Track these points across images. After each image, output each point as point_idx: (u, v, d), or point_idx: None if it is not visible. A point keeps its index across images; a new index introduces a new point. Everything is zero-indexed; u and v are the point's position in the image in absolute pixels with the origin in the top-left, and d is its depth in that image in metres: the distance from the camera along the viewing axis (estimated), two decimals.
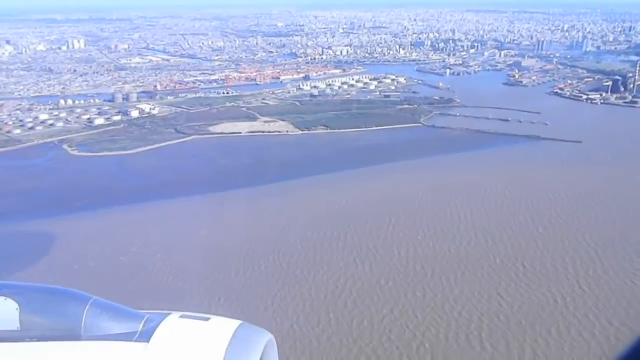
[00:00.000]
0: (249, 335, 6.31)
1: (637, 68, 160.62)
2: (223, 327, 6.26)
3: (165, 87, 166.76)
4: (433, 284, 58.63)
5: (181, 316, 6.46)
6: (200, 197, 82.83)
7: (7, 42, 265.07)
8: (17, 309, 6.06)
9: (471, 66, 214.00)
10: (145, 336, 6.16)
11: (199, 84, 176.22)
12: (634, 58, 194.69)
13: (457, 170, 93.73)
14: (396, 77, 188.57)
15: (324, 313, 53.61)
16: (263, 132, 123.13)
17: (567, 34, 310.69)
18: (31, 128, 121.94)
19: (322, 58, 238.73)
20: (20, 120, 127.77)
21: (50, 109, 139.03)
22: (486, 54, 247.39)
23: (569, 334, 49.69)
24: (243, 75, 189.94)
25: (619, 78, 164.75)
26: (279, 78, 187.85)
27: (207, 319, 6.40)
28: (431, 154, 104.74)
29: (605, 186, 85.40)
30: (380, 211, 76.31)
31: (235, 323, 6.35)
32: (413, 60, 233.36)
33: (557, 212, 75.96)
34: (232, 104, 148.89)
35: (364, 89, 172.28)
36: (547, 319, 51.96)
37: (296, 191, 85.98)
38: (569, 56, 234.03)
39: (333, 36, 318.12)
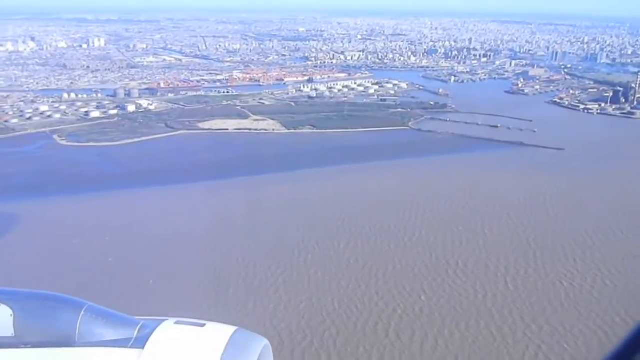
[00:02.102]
0: (245, 341, 6.31)
1: (638, 79, 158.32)
2: (218, 333, 6.25)
3: (168, 85, 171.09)
4: (362, 276, 60.02)
5: (176, 322, 6.45)
6: (166, 187, 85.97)
7: (32, 39, 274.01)
8: (11, 315, 6.01)
9: (478, 74, 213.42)
10: (140, 343, 6.13)
11: (203, 83, 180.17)
12: None
13: (422, 172, 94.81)
14: (399, 82, 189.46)
15: (250, 302, 55.35)
16: (250, 129, 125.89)
17: (586, 46, 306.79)
18: (29, 118, 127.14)
19: (332, 62, 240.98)
20: (21, 111, 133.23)
21: (52, 102, 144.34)
22: (497, 63, 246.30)
23: (477, 327, 50.58)
24: (248, 76, 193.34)
25: (620, 89, 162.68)
26: (283, 80, 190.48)
27: (202, 325, 6.39)
28: (405, 156, 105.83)
29: (566, 191, 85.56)
30: (333, 207, 77.96)
31: (231, 329, 6.36)
32: (422, 67, 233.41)
33: (509, 215, 76.40)
34: (228, 102, 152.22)
35: (363, 93, 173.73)
36: (461, 313, 52.93)
37: (260, 185, 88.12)
38: (580, 67, 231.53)
39: (349, 42, 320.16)
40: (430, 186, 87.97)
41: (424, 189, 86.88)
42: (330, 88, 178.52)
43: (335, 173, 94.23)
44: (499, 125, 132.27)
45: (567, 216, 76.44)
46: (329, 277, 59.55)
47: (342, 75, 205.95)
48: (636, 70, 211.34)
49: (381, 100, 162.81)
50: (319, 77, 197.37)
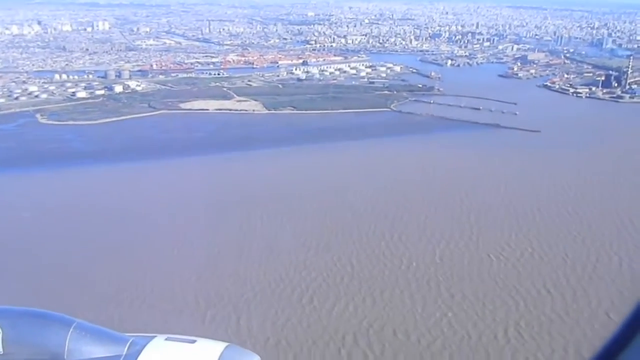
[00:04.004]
0: (236, 357, 6.28)
1: (629, 64, 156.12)
2: (210, 350, 6.23)
3: (160, 67, 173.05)
4: (298, 248, 61.10)
5: (167, 339, 6.47)
6: (130, 165, 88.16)
7: (39, 22, 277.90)
8: None
9: (476, 58, 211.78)
10: None
11: (197, 65, 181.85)
12: None
13: (388, 151, 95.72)
14: (393, 65, 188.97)
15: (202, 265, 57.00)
16: (230, 110, 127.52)
17: (595, 31, 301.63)
18: (16, 98, 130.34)
19: (332, 46, 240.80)
20: (10, 91, 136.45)
21: (43, 82, 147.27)
22: (500, 47, 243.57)
23: (392, 295, 51.75)
24: (242, 59, 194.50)
25: (612, 73, 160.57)
26: (277, 63, 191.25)
27: (193, 342, 6.40)
28: (377, 136, 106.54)
29: (525, 171, 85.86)
30: (283, 185, 79.10)
31: (222, 345, 6.34)
32: (422, 51, 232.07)
33: (459, 192, 76.92)
34: (216, 84, 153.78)
35: (354, 76, 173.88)
36: (380, 282, 54.13)
37: (227, 163, 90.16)
38: (583, 52, 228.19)
39: (355, 26, 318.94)
40: (391, 164, 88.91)
41: (384, 166, 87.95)
42: (322, 71, 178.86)
43: (299, 152, 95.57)
44: (481, 107, 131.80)
45: (518, 194, 76.82)
46: (265, 251, 60.68)
47: (338, 58, 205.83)
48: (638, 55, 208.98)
49: (370, 82, 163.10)
50: (313, 60, 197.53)
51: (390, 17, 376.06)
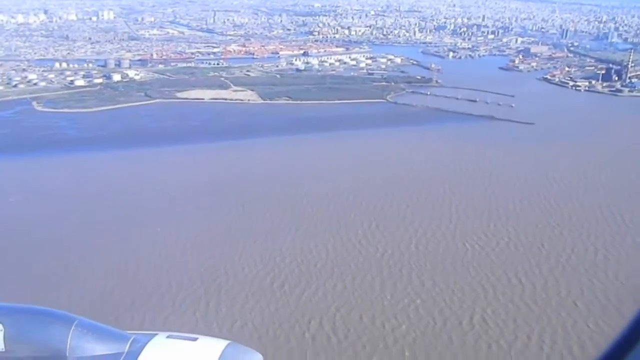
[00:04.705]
0: (238, 355, 6.28)
1: (629, 58, 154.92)
2: (211, 347, 6.19)
3: (160, 57, 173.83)
4: (274, 236, 61.46)
5: (168, 336, 6.46)
6: (121, 152, 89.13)
7: (45, 11, 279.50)
8: (1, 330, 6.02)
9: (479, 50, 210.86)
10: (131, 357, 6.11)
11: (197, 55, 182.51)
12: None
13: (377, 141, 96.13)
14: (394, 57, 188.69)
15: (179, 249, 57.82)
16: (226, 99, 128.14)
17: (602, 25, 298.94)
18: (14, 86, 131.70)
19: (335, 37, 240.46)
20: (9, 79, 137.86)
21: (42, 71, 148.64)
22: (504, 39, 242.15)
23: (362, 281, 52.17)
24: (243, 49, 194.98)
25: (612, 67, 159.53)
26: (277, 53, 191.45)
27: (194, 339, 6.39)
28: (370, 126, 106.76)
29: (513, 163, 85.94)
30: (271, 173, 79.71)
31: (224, 343, 6.36)
32: (425, 43, 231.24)
33: (444, 182, 77.10)
34: (214, 74, 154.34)
35: (354, 67, 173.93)
36: (354, 269, 54.50)
37: (215, 151, 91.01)
38: (588, 46, 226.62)
39: (360, 18, 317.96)
40: (379, 154, 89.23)
41: (372, 157, 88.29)
42: (322, 62, 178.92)
43: (288, 141, 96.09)
44: (477, 99, 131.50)
45: (502, 185, 76.90)
46: (244, 236, 61.26)
47: (340, 49, 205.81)
48: None
49: (369, 73, 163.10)
50: (314, 50, 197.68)
51: (397, 9, 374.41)
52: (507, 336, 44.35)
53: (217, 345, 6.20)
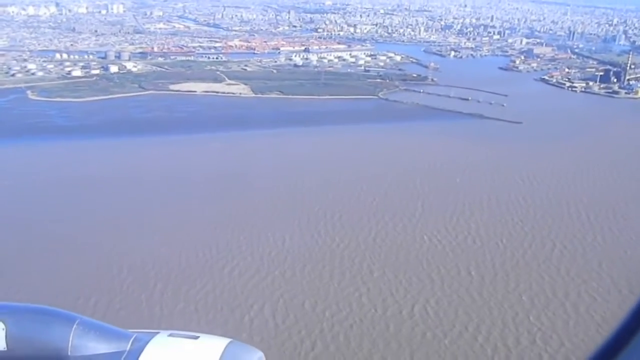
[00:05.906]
0: (239, 353, 6.32)
1: (628, 60, 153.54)
2: (212, 346, 6.27)
3: (161, 50, 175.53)
4: (238, 225, 62.23)
5: (170, 335, 6.47)
6: (108, 139, 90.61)
7: (56, 4, 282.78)
8: (3, 329, 6.01)
9: (481, 50, 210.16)
10: (133, 356, 6.14)
11: (198, 49, 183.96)
12: None
13: (360, 136, 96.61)
14: (394, 55, 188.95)
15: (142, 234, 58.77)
16: (217, 92, 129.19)
17: (612, 28, 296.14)
18: (12, 75, 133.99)
19: (339, 34, 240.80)
20: (9, 68, 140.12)
21: (43, 61, 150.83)
22: (510, 40, 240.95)
23: (317, 271, 52.72)
24: (245, 44, 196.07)
25: (611, 69, 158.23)
26: (278, 49, 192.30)
27: (196, 338, 6.43)
28: (356, 122, 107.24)
29: (492, 160, 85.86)
30: (247, 164, 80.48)
31: (225, 341, 6.37)
32: (429, 42, 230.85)
33: (417, 177, 77.30)
34: (211, 67, 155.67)
35: (352, 64, 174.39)
36: (312, 259, 55.02)
37: (197, 142, 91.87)
38: (593, 48, 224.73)
39: (368, 16, 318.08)
40: (358, 149, 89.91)
41: (351, 151, 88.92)
42: (321, 58, 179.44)
43: (272, 134, 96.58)
44: (469, 98, 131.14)
45: (475, 182, 76.95)
46: (208, 225, 61.99)
47: (342, 46, 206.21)
48: None
49: (365, 70, 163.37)
50: (316, 47, 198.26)
51: (407, 8, 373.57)
52: (445, 326, 44.73)
53: (219, 343, 6.31)
